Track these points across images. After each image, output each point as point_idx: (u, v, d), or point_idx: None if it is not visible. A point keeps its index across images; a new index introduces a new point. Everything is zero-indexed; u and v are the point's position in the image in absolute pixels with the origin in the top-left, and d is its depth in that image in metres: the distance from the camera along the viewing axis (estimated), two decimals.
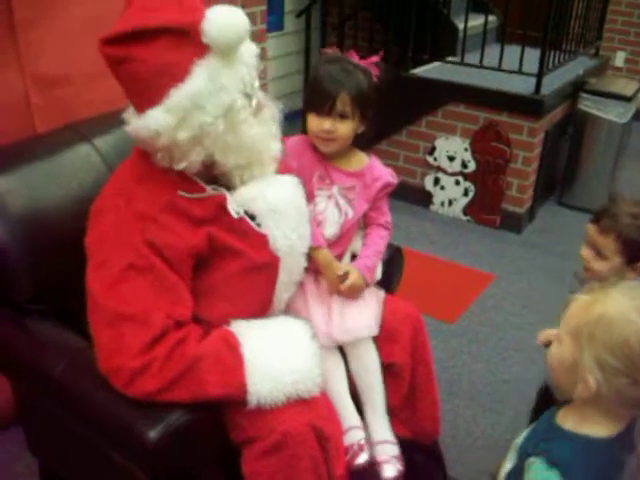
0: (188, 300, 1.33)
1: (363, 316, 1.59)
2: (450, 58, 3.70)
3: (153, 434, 1.23)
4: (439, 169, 3.63)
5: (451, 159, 3.56)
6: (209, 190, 1.37)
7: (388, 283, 1.80)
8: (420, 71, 3.63)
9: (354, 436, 1.52)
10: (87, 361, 1.35)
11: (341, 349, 1.62)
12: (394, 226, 3.28)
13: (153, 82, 1.25)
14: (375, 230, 1.67)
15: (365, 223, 1.68)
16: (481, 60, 3.43)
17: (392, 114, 3.59)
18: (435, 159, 3.61)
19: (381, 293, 1.68)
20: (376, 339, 1.62)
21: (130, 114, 1.34)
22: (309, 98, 1.52)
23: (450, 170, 3.59)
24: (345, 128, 1.53)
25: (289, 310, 1.59)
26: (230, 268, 1.38)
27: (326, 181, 1.59)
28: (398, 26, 3.70)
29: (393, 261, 1.87)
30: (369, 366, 1.60)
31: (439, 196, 3.68)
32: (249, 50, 1.35)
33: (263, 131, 1.41)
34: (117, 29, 1.23)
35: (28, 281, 1.54)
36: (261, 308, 1.46)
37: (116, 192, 1.36)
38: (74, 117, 1.80)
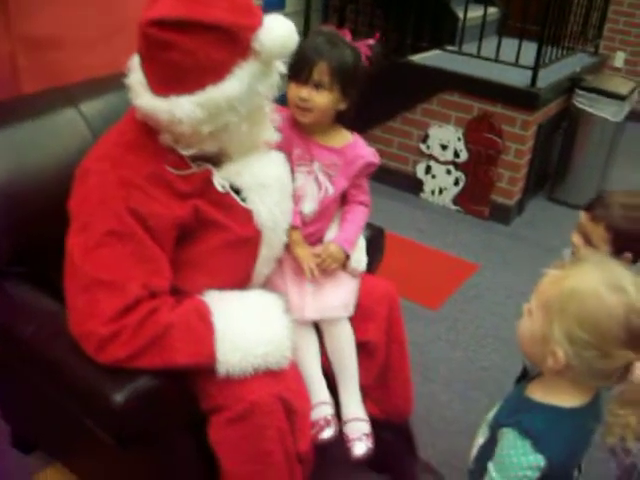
0: (166, 271, 1.34)
1: (338, 295, 1.59)
2: (449, 47, 3.68)
3: (119, 397, 1.25)
4: (431, 157, 3.62)
5: (444, 147, 3.56)
6: (194, 167, 1.37)
7: (368, 263, 1.80)
8: (418, 58, 3.61)
9: (321, 411, 1.53)
10: (59, 324, 1.35)
11: (317, 325, 1.62)
12: (383, 212, 3.29)
13: (193, 74, 1.25)
14: (355, 207, 1.67)
15: (345, 201, 1.68)
16: (479, 50, 3.42)
17: (388, 100, 3.61)
18: (428, 147, 3.61)
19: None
20: (351, 317, 1.62)
21: (140, 86, 1.32)
22: (289, 66, 1.52)
23: (442, 159, 3.59)
24: (321, 98, 1.51)
25: (268, 285, 1.60)
26: (213, 241, 1.39)
27: (306, 156, 1.59)
28: (399, 12, 3.69)
29: (374, 241, 1.87)
30: (344, 345, 1.61)
31: (430, 184, 3.68)
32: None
33: (271, 126, 1.45)
34: (167, 13, 1.21)
35: (7, 243, 1.55)
36: (240, 282, 1.47)
37: (103, 156, 1.36)
38: (66, 81, 1.79)
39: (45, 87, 1.77)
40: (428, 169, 3.65)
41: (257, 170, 1.43)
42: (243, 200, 1.42)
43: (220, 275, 1.41)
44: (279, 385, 1.34)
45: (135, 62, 1.32)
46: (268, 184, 1.43)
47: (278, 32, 1.28)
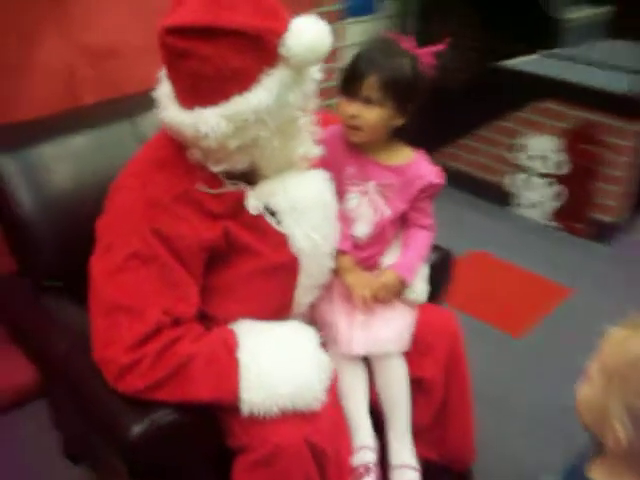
0: (193, 297, 1.25)
1: (392, 328, 1.45)
2: (548, 51, 3.42)
3: (137, 429, 1.18)
4: (524, 169, 3.37)
5: (538, 159, 3.30)
6: (228, 185, 1.27)
7: (431, 292, 1.63)
8: (513, 63, 3.38)
9: (363, 457, 1.39)
10: (90, 345, 1.29)
11: (367, 358, 1.48)
12: (470, 226, 3.06)
13: (215, 84, 1.15)
14: (416, 231, 1.52)
15: (406, 225, 1.53)
16: (582, 55, 3.14)
17: (479, 107, 3.41)
18: (520, 158, 3.36)
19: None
20: (406, 352, 1.47)
21: (167, 99, 1.24)
22: (340, 80, 1.38)
23: (537, 171, 3.33)
24: (371, 115, 1.37)
25: (315, 314, 1.49)
26: (245, 267, 1.28)
27: (360, 175, 1.45)
28: (495, 14, 3.46)
29: (440, 266, 1.70)
30: (395, 382, 1.47)
31: (522, 198, 3.43)
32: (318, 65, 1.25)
33: (310, 139, 1.33)
34: (184, 20, 1.12)
35: (51, 257, 1.52)
36: (278, 311, 1.36)
37: (134, 173, 1.29)
38: (122, 91, 1.76)
39: (104, 97, 1.75)
40: (521, 181, 3.41)
41: (293, 190, 1.30)
42: (278, 223, 1.30)
43: (253, 303, 1.31)
44: (307, 426, 1.22)
45: (163, 74, 1.23)
46: (304, 206, 1.31)
47: (307, 36, 1.14)
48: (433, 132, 3.63)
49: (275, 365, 1.21)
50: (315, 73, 1.24)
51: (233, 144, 1.18)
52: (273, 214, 1.30)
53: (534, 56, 3.43)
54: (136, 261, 1.20)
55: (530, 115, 3.29)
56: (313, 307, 1.48)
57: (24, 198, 1.51)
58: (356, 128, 1.38)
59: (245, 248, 1.27)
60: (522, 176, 3.40)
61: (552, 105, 3.19)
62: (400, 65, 1.36)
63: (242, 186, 1.28)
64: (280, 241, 1.30)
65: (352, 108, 1.36)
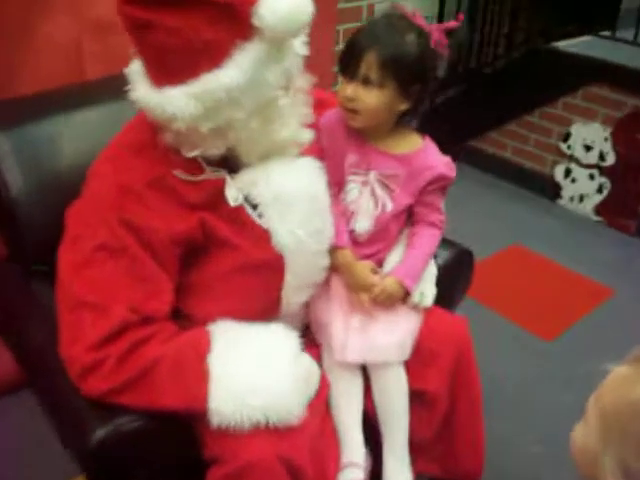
0: (167, 293, 1.15)
1: (392, 334, 1.32)
2: (603, 32, 3.18)
3: (98, 434, 1.09)
4: (572, 159, 3.16)
5: (587, 149, 3.09)
6: (208, 172, 1.16)
7: (446, 296, 1.49)
8: (564, 44, 3.16)
9: (349, 474, 1.27)
10: None
11: (364, 366, 1.36)
12: (512, 218, 2.87)
13: (182, 59, 1.04)
14: (423, 229, 1.37)
15: (412, 221, 1.39)
16: (636, 36, 2.90)
17: (526, 91, 3.22)
18: (569, 147, 3.15)
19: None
20: (407, 361, 1.35)
21: (138, 77, 1.13)
22: (339, 57, 1.25)
23: (585, 161, 3.11)
24: (369, 98, 1.22)
25: (311, 313, 1.37)
26: (224, 264, 1.18)
27: (362, 165, 1.32)
28: None
29: (455, 266, 1.56)
30: (393, 395, 1.34)
31: (569, 189, 3.22)
32: (301, 37, 1.13)
33: (296, 121, 1.19)
34: None
35: (40, 241, 1.45)
36: (263, 312, 1.25)
37: (108, 158, 1.20)
38: (125, 67, 1.67)
39: (106, 72, 1.66)
40: (568, 172, 3.20)
41: (277, 180, 1.18)
42: (259, 216, 1.18)
43: (234, 302, 1.20)
44: (283, 443, 1.10)
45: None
46: (290, 198, 1.18)
47: (282, 4, 1.01)
48: (476, 116, 3.49)
49: (247, 374, 1.10)
50: (299, 47, 1.12)
51: (205, 127, 1.07)
52: (255, 206, 1.18)
53: (587, 38, 3.21)
54: (104, 253, 1.11)
55: (580, 101, 3.07)
56: (309, 306, 1.37)
57: (15, 179, 1.44)
58: (354, 112, 1.25)
59: (223, 243, 1.16)
60: (568, 166, 3.19)
61: (603, 91, 2.97)
62: (404, 42, 1.22)
63: (222, 173, 1.17)
64: (261, 236, 1.18)
65: (349, 89, 1.23)
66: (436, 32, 1.24)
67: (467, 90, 3.54)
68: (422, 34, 1.24)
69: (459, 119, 3.47)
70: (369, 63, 1.20)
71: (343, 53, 1.24)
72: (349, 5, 2.43)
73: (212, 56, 1.02)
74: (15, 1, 1.68)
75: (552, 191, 3.27)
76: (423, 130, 1.37)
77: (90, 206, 1.15)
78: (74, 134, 1.52)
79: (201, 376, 1.09)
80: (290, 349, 1.16)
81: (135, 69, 1.13)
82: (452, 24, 1.27)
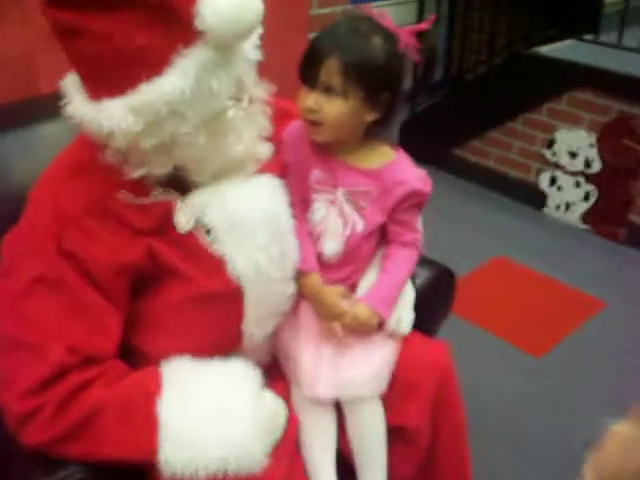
0: (113, 328, 1.03)
1: (366, 366, 1.20)
2: (586, 36, 3.10)
3: None
4: (557, 166, 3.07)
5: (573, 155, 3.00)
6: (155, 194, 1.04)
7: (426, 320, 1.37)
8: (546, 49, 3.07)
9: None
10: None
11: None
12: (497, 228, 2.76)
13: (116, 68, 0.92)
14: (397, 250, 1.26)
15: (386, 241, 1.28)
16: (620, 39, 2.83)
17: (508, 97, 3.14)
18: (554, 154, 3.06)
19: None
20: (384, 394, 1.23)
21: (73, 88, 1.01)
22: (299, 64, 1.14)
23: (570, 168, 3.03)
24: (332, 108, 1.11)
25: (278, 343, 1.26)
26: (174, 295, 1.06)
27: (329, 181, 1.20)
28: None
29: (436, 288, 1.45)
30: (369, 432, 1.22)
31: (554, 198, 3.12)
32: (252, 40, 1.01)
33: (251, 135, 1.07)
34: None
35: None
36: (223, 346, 1.13)
37: (46, 180, 1.08)
38: None
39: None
40: (553, 180, 3.11)
41: (231, 201, 1.06)
42: (212, 243, 1.07)
43: (188, 337, 1.08)
44: None
45: None
46: (246, 221, 1.07)
47: (224, 2, 0.89)
48: (457, 124, 3.40)
49: (201, 421, 0.98)
50: (250, 52, 1.00)
51: (147, 143, 0.95)
52: (208, 231, 1.07)
53: (569, 42, 3.13)
54: (40, 287, 0.99)
55: (564, 107, 2.98)
56: (276, 335, 1.25)
57: None
58: (316, 124, 1.14)
59: (173, 272, 1.05)
60: (553, 174, 3.10)
61: (588, 96, 2.89)
62: (369, 45, 1.11)
63: (172, 195, 1.06)
64: (215, 265, 1.06)
65: (310, 99, 1.12)
66: (405, 35, 1.13)
67: (448, 97, 3.46)
68: (389, 37, 1.12)
69: (440, 127, 3.40)
70: (330, 70, 1.09)
71: (303, 59, 1.13)
72: (322, 11, 2.33)
73: (149, 64, 0.91)
74: None
75: (537, 200, 3.17)
76: (402, 139, 1.26)
77: (26, 234, 1.03)
78: (25, 153, 1.40)
79: (149, 424, 0.97)
80: (250, 389, 1.04)
81: (71, 80, 1.01)
82: (422, 26, 1.17)
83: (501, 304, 2.53)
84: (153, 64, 0.91)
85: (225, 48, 0.93)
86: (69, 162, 1.07)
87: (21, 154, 1.38)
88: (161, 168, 1.01)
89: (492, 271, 2.73)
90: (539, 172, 3.15)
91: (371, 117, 1.16)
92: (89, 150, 1.04)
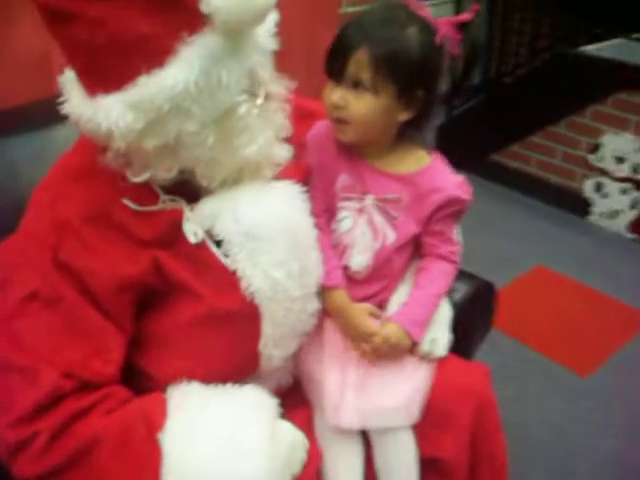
0: (115, 349, 0.94)
1: (398, 392, 1.09)
2: (635, 35, 2.95)
3: None
4: (603, 172, 2.92)
5: (619, 161, 2.84)
6: (163, 201, 0.95)
7: (464, 340, 1.26)
8: (592, 48, 2.93)
9: None
10: None
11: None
12: (539, 236, 2.63)
13: (112, 58, 0.82)
14: (432, 263, 1.14)
15: (420, 253, 1.17)
16: None
17: (551, 99, 3.00)
18: (599, 159, 2.91)
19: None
20: (417, 424, 1.12)
21: (71, 85, 0.92)
22: (325, 56, 1.04)
23: (617, 174, 2.87)
24: (360, 105, 1.00)
25: (300, 365, 1.15)
26: (184, 314, 0.96)
27: (357, 188, 1.10)
28: None
29: (475, 304, 1.32)
30: (399, 466, 1.11)
31: (600, 205, 2.97)
32: (267, 27, 0.91)
33: (267, 135, 0.97)
34: None
35: None
36: (239, 370, 1.03)
37: (46, 185, 0.99)
38: None
39: None
40: (598, 187, 2.95)
41: (245, 211, 0.96)
42: (225, 256, 0.97)
43: (200, 360, 0.98)
44: None
45: None
46: (262, 233, 0.96)
47: None
48: (496, 129, 3.26)
49: (209, 455, 0.88)
50: (264, 40, 0.90)
51: (149, 144, 0.86)
52: (219, 243, 0.97)
53: (616, 41, 2.98)
54: (35, 304, 0.90)
55: (610, 109, 2.83)
56: (298, 357, 1.15)
57: None
58: (343, 122, 1.03)
59: (182, 288, 0.95)
60: (598, 180, 2.94)
61: (636, 98, 2.74)
62: (403, 36, 1.00)
63: (181, 203, 0.96)
64: (228, 281, 0.96)
65: (336, 94, 1.01)
66: (444, 26, 1.02)
67: (486, 100, 3.33)
68: (426, 28, 1.01)
69: (478, 132, 3.27)
70: (359, 62, 0.98)
71: (329, 51, 1.02)
72: (353, 10, 2.23)
73: (149, 53, 0.81)
74: None
75: (581, 207, 3.02)
76: (438, 144, 1.15)
77: (21, 245, 0.94)
78: (34, 157, 1.33)
79: (151, 458, 0.87)
80: (265, 420, 0.93)
81: (69, 76, 0.92)
82: (464, 17, 1.05)
83: (542, 318, 2.39)
84: (153, 54, 0.81)
85: (235, 35, 0.83)
86: (70, 165, 0.98)
87: (30, 158, 1.31)
88: (166, 172, 0.91)
89: (532, 282, 2.59)
90: (583, 178, 3.00)
91: (404, 117, 1.05)
92: (90, 152, 0.95)
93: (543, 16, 3.20)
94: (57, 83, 1.62)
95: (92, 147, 0.95)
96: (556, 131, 3.06)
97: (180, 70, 0.81)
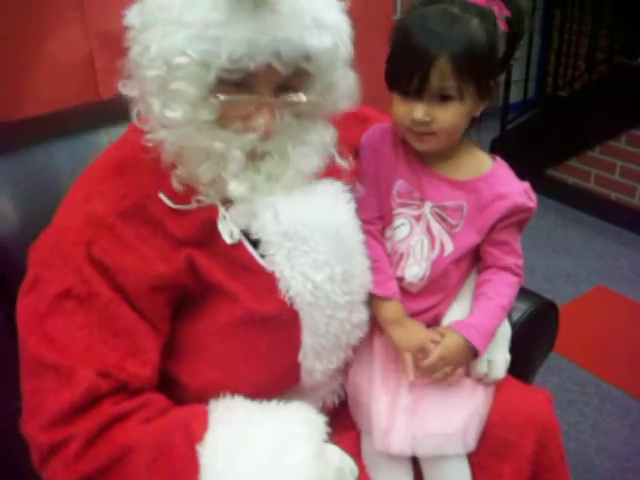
0: (150, 350, 0.89)
1: (452, 417, 1.00)
2: None
3: None
4: None
5: None
6: (198, 200, 0.90)
7: (523, 362, 1.18)
8: None
9: None
10: None
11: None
12: (597, 255, 2.51)
13: None
14: (496, 275, 1.05)
15: (481, 266, 1.08)
16: None
17: (609, 113, 2.88)
18: None
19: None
20: (473, 452, 1.03)
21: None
22: (389, 67, 0.97)
23: None
24: (449, 115, 0.94)
25: (347, 385, 1.08)
26: (218, 317, 0.91)
27: (415, 194, 1.02)
28: (631, 3, 2.91)
29: (537, 324, 1.23)
30: None
31: None
32: None
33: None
34: None
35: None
36: (277, 380, 0.97)
37: (83, 180, 0.95)
38: None
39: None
40: None
41: (286, 209, 0.90)
42: (262, 257, 0.91)
43: (237, 367, 0.93)
44: None
45: None
46: (301, 234, 0.90)
47: None
48: (552, 143, 3.15)
49: (250, 474, 0.81)
50: None
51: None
52: (256, 244, 0.91)
53: None
54: (69, 302, 0.86)
55: None
56: (346, 375, 1.07)
57: (7, 214, 1.23)
58: (427, 134, 0.97)
59: (217, 290, 0.90)
60: None
61: None
62: (471, 31, 0.93)
63: (215, 201, 0.91)
64: (267, 283, 0.91)
65: (420, 111, 0.94)
66: (497, 6, 0.95)
67: (542, 114, 3.23)
68: (484, 14, 0.94)
69: (533, 146, 3.16)
70: (442, 73, 0.91)
71: (396, 60, 0.96)
72: None
73: None
74: (16, 17, 1.53)
75: None
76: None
77: (54, 241, 0.90)
78: (78, 160, 1.30)
79: (189, 471, 0.81)
80: (312, 441, 0.85)
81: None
82: None
83: (603, 340, 2.28)
84: None
85: None
86: (109, 160, 0.95)
87: (73, 162, 1.27)
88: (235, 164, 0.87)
89: (592, 302, 2.47)
90: None
91: (479, 111, 0.99)
92: (134, 145, 0.91)
93: (600, 28, 3.09)
94: (100, 87, 1.63)
95: (136, 140, 0.91)
96: (615, 145, 2.95)
97: None
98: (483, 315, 1.04)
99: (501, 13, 0.95)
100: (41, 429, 0.84)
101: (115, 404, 0.85)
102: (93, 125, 1.34)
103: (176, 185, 0.88)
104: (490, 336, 1.04)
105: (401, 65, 0.95)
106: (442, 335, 1.02)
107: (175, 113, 0.84)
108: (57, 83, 1.58)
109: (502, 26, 0.96)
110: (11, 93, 1.55)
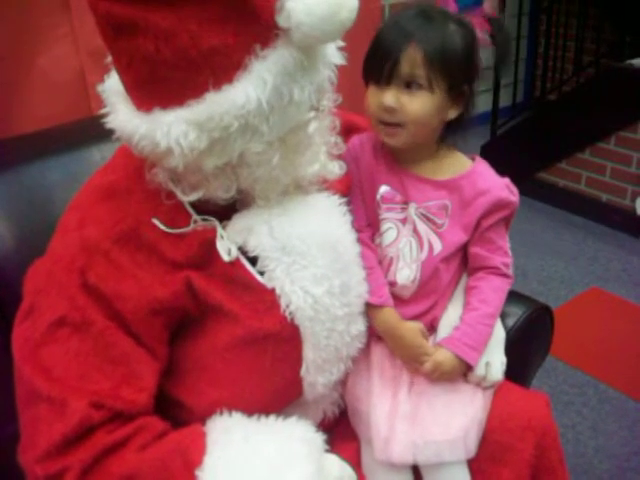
0: (147, 377, 0.88)
1: (452, 423, 1.01)
2: None
3: None
4: None
5: None
6: (195, 221, 0.90)
7: (520, 365, 1.18)
8: (639, 61, 2.83)
9: None
10: None
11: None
12: (590, 257, 2.52)
13: (178, 72, 0.77)
14: (484, 279, 1.06)
15: (469, 267, 1.09)
16: None
17: (599, 115, 2.91)
18: None
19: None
20: (473, 458, 1.03)
21: (116, 97, 0.86)
22: (365, 63, 0.99)
23: None
24: (416, 105, 0.95)
25: (346, 395, 1.09)
26: (219, 338, 0.91)
27: (398, 197, 1.04)
28: (617, 6, 2.95)
29: (532, 328, 1.23)
30: None
31: None
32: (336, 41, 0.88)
33: (325, 152, 0.95)
34: None
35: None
36: (280, 396, 0.97)
37: (76, 206, 0.95)
38: None
39: None
40: None
41: (282, 225, 0.91)
42: (261, 274, 0.91)
43: (239, 386, 0.92)
44: None
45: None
46: (299, 248, 0.91)
47: (323, 1, 0.74)
48: (542, 146, 3.17)
49: None
50: (333, 54, 0.86)
51: (209, 164, 0.82)
52: (254, 260, 0.91)
53: None
54: (64, 330, 0.85)
55: None
56: (344, 385, 1.08)
57: (3, 234, 1.23)
58: (394, 125, 0.98)
59: (217, 310, 0.90)
60: None
61: None
62: (447, 31, 0.96)
63: (213, 222, 0.91)
64: (266, 300, 0.91)
65: (388, 97, 0.96)
66: (477, 19, 0.99)
67: (531, 118, 3.26)
68: (462, 23, 0.98)
69: (523, 150, 3.19)
70: (412, 59, 0.94)
71: (373, 53, 0.98)
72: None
73: (219, 68, 0.76)
74: (7, 35, 1.54)
75: (633, 226, 2.92)
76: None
77: (49, 269, 0.90)
78: (71, 176, 1.31)
79: None
80: (311, 456, 0.85)
81: (112, 86, 0.87)
82: (486, 5, 1.04)
83: (597, 341, 2.29)
84: (223, 68, 0.76)
85: (309, 49, 0.79)
86: (101, 184, 0.94)
87: (66, 179, 1.28)
88: (223, 192, 0.87)
89: (586, 304, 2.48)
90: (635, 196, 2.90)
91: (452, 114, 1.01)
92: (123, 170, 0.92)
93: (586, 31, 3.13)
94: (92, 103, 1.63)
95: (126, 165, 0.91)
96: (605, 147, 2.97)
97: (252, 86, 0.77)
98: (471, 327, 1.04)
99: (483, 29, 0.98)
100: (36, 461, 0.84)
101: (109, 433, 0.84)
102: (85, 142, 1.35)
103: (172, 207, 0.88)
104: (480, 347, 1.04)
105: (375, 56, 0.98)
106: (434, 350, 1.03)
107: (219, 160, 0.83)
108: (49, 100, 1.59)
109: (482, 40, 0.99)
110: (3, 111, 1.56)
